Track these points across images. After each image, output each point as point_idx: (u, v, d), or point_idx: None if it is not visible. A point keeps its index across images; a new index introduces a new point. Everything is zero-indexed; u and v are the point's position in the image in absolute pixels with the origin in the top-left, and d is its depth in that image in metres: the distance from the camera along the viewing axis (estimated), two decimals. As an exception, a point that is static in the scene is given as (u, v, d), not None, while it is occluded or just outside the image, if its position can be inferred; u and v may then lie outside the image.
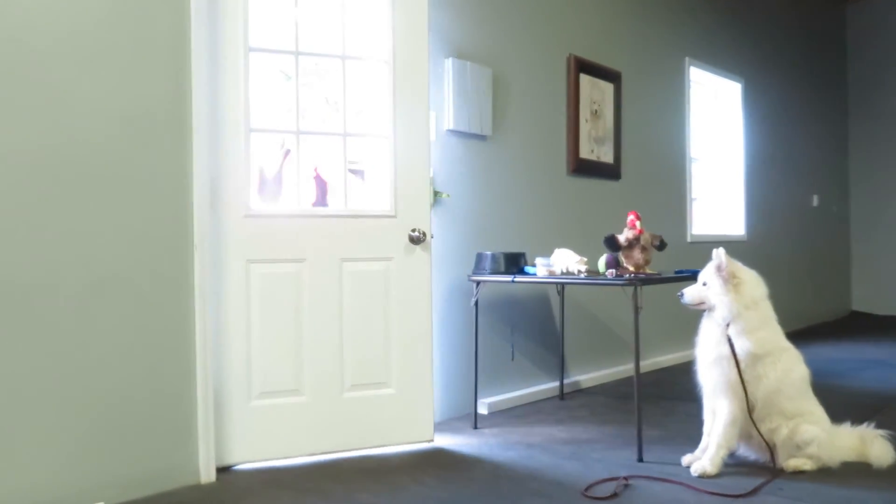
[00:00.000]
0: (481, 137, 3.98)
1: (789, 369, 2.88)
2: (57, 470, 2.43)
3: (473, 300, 3.56)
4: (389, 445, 3.23)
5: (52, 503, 2.41)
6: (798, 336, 6.18)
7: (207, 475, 2.80)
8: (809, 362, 2.99)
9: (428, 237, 3.27)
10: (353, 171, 3.69)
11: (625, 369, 4.90)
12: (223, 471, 2.91)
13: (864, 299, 8.50)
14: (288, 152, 3.58)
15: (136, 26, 2.63)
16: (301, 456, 3.08)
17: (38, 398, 2.39)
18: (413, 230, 3.25)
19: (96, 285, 2.53)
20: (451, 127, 3.77)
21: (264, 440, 3.02)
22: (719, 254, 2.86)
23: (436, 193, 3.68)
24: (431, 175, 3.66)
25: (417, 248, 3.28)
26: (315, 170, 3.44)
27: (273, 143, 3.32)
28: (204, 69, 2.81)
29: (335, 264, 3.14)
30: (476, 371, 3.65)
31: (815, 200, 7.82)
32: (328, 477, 2.86)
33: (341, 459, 3.09)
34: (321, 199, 3.38)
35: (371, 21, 3.28)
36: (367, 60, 3.27)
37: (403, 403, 3.26)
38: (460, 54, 3.84)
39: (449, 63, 3.76)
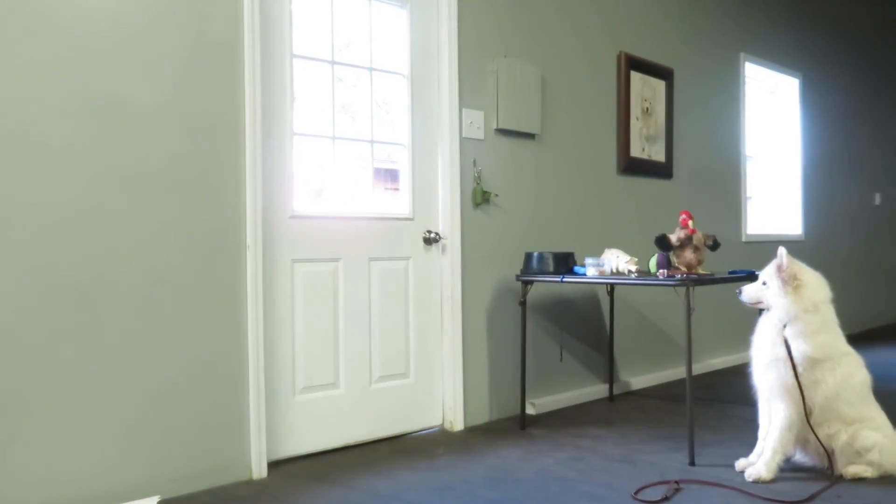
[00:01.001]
0: (530, 136, 3.96)
1: (849, 374, 2.79)
2: (113, 463, 2.51)
3: (520, 300, 3.55)
4: (407, 431, 3.47)
5: (107, 496, 2.49)
6: (859, 339, 5.97)
7: (259, 470, 2.86)
8: (871, 366, 2.89)
9: (442, 238, 3.52)
10: (389, 170, 3.77)
11: (676, 372, 4.82)
12: (273, 465, 2.97)
13: (930, 301, 8.17)
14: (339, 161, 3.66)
15: (193, 34, 2.70)
16: (338, 445, 3.22)
17: (95, 392, 2.47)
18: (427, 231, 3.51)
19: (155, 284, 2.60)
20: (500, 126, 3.76)
21: (308, 433, 3.12)
22: (781, 254, 2.78)
23: (484, 193, 3.68)
24: (477, 175, 3.66)
25: (432, 248, 3.55)
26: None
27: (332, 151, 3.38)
28: (254, 75, 2.87)
29: (364, 263, 3.32)
30: (524, 372, 3.63)
31: (878, 199, 7.55)
32: (370, 468, 2.89)
33: (375, 448, 3.15)
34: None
35: (392, 36, 3.50)
36: (390, 73, 3.48)
37: (420, 392, 3.51)
38: (508, 53, 3.83)
39: (498, 62, 3.75)
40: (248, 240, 2.85)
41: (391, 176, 3.73)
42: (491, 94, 3.75)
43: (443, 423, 3.60)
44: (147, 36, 2.59)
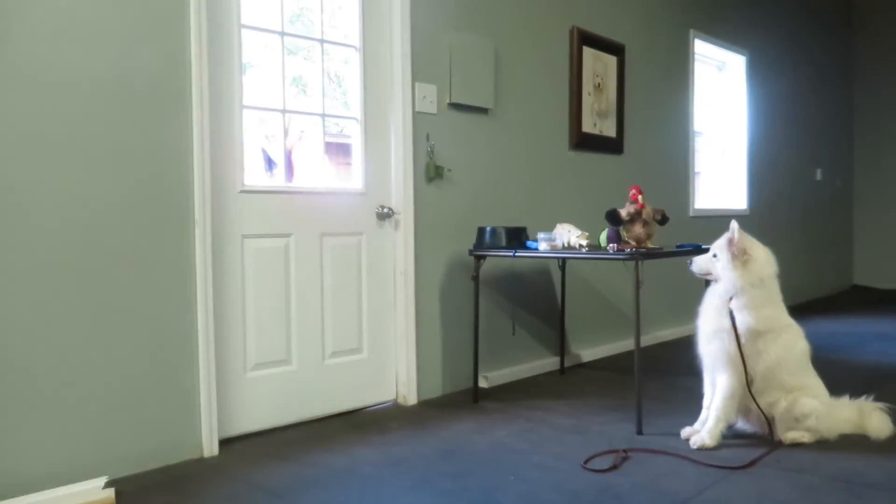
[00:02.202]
0: (483, 111, 3.96)
1: (790, 345, 2.89)
2: (61, 445, 2.45)
3: (473, 274, 3.57)
4: (360, 406, 3.48)
5: (51, 478, 2.44)
6: (800, 310, 6.19)
7: (210, 448, 2.83)
8: (810, 336, 2.99)
9: (395, 213, 3.50)
10: (342, 145, 3.75)
11: (626, 344, 4.92)
12: (225, 443, 2.94)
13: (866, 273, 8.50)
14: (300, 135, 3.61)
15: (137, 1, 2.61)
16: (292, 421, 3.22)
17: (37, 373, 2.41)
18: (380, 206, 3.49)
19: (99, 261, 2.53)
20: (453, 100, 3.74)
21: (260, 410, 3.11)
22: (733, 228, 2.83)
23: (437, 168, 3.67)
24: (431, 149, 3.65)
25: (385, 223, 3.53)
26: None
27: (282, 124, 3.32)
28: (201, 45, 2.78)
29: (316, 239, 3.29)
30: (476, 345, 3.66)
31: (819, 174, 7.78)
32: (326, 445, 2.89)
33: (329, 423, 3.16)
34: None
35: (344, 8, 3.43)
36: (341, 46, 3.42)
37: (374, 367, 3.52)
38: (461, 27, 3.81)
39: (450, 36, 3.72)
40: (197, 215, 2.79)
41: (343, 150, 3.69)
42: (444, 67, 3.73)
43: (396, 398, 3.62)
44: (88, 2, 2.50)
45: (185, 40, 2.75)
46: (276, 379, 3.16)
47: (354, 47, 3.44)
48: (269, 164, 3.83)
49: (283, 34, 3.21)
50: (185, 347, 2.78)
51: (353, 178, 3.50)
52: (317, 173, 3.44)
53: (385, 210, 3.50)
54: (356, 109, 3.45)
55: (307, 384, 3.27)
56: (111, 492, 2.43)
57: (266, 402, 3.13)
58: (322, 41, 3.35)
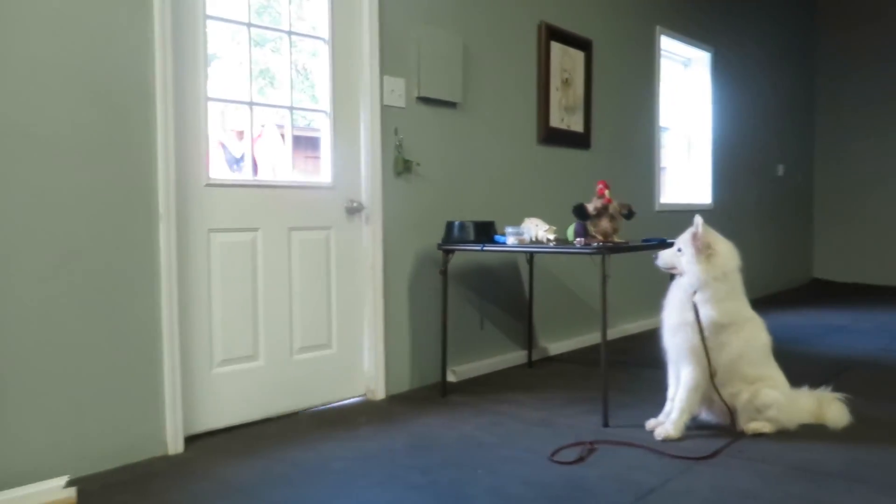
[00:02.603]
0: (451, 105, 3.96)
1: (752, 337, 2.94)
2: (21, 444, 2.40)
3: (441, 269, 3.57)
4: (329, 402, 3.46)
5: (11, 478, 2.39)
6: (761, 303, 6.31)
7: (175, 445, 2.80)
8: (771, 329, 3.05)
9: (365, 208, 3.47)
10: (310, 138, 3.74)
11: (593, 337, 4.97)
12: (191, 440, 2.91)
13: (826, 267, 8.70)
14: (262, 131, 3.57)
15: (94, -12, 2.55)
16: (259, 417, 3.19)
17: (0, 374, 2.35)
18: (350, 201, 3.45)
19: (62, 256, 2.48)
20: (421, 94, 3.74)
21: (226, 406, 3.07)
22: (697, 222, 2.87)
23: (406, 162, 3.66)
24: (399, 143, 3.64)
25: (354, 217, 3.50)
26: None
27: (249, 117, 3.28)
28: (165, 36, 2.73)
29: (284, 233, 3.26)
30: (444, 340, 3.67)
31: (781, 170, 7.93)
32: (295, 441, 2.87)
33: (297, 419, 3.15)
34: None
35: (313, 0, 3.40)
36: (310, 38, 3.39)
37: (343, 362, 3.50)
38: (430, 20, 3.80)
39: (419, 30, 3.71)
40: (161, 209, 2.75)
41: (311, 144, 3.67)
42: (412, 61, 3.72)
43: (365, 393, 3.61)
44: (46, -8, 2.44)
45: (149, 31, 2.70)
46: (244, 375, 3.13)
47: (323, 39, 3.41)
48: (231, 161, 3.80)
49: (249, 25, 3.17)
50: (149, 343, 2.74)
51: (321, 171, 3.47)
52: (284, 167, 3.41)
53: (354, 204, 3.47)
54: (325, 102, 3.42)
55: (275, 380, 3.24)
56: (72, 491, 2.39)
57: (233, 399, 3.10)
58: (290, 33, 3.32)
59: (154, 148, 2.73)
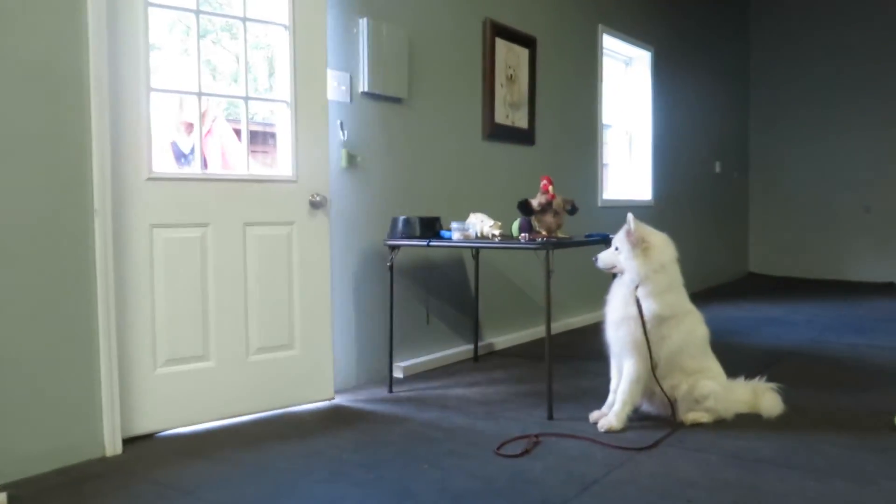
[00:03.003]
0: (397, 100, 3.94)
1: (692, 330, 3.02)
2: (-53, 446, 2.30)
3: (388, 264, 3.56)
4: (294, 405, 3.30)
5: (-56, 481, 2.29)
6: (700, 297, 6.48)
7: (113, 447, 2.71)
8: (709, 321, 3.14)
9: (328, 202, 3.31)
10: (260, 133, 3.64)
11: (537, 331, 5.02)
12: (132, 442, 2.83)
13: (761, 261, 8.99)
14: (210, 126, 3.49)
15: (23, -27, 2.45)
16: (211, 421, 3.07)
17: (-77, 372, 2.25)
18: (314, 195, 3.29)
19: (-14, 252, 2.38)
20: (366, 89, 3.71)
21: (172, 408, 2.97)
22: (629, 219, 2.94)
23: (350, 157, 3.63)
24: (345, 138, 3.61)
25: (318, 212, 3.33)
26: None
27: (191, 112, 3.20)
28: (100, 22, 2.64)
29: (238, 228, 3.13)
30: (391, 335, 3.66)
31: (718, 167, 8.15)
32: (240, 441, 2.83)
33: (252, 422, 3.09)
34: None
35: None
36: (268, 24, 3.26)
37: (306, 364, 3.33)
38: (375, 15, 3.77)
39: (363, 23, 3.68)
40: (96, 204, 2.66)
41: (261, 139, 3.60)
42: (357, 56, 3.68)
43: (333, 397, 3.45)
44: (-29, -24, 2.33)
45: (82, 17, 2.60)
46: (192, 376, 3.02)
47: (283, 25, 3.23)
48: (180, 157, 3.70)
49: (198, 12, 3.04)
50: (85, 342, 2.65)
51: (280, 164, 3.32)
52: (239, 160, 3.28)
53: (317, 198, 3.29)
54: (285, 92, 3.24)
55: (228, 382, 3.11)
56: (3, 496, 2.30)
57: (181, 400, 2.98)
58: (245, 19, 3.16)
59: (88, 140, 2.64)
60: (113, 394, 2.72)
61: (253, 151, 3.93)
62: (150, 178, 2.88)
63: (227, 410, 3.12)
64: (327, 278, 3.39)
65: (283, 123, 3.31)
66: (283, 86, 3.27)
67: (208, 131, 3.93)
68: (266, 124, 3.49)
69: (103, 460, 2.67)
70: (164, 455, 2.72)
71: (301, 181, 3.29)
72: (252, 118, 3.54)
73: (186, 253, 3.00)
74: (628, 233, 2.94)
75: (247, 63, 3.21)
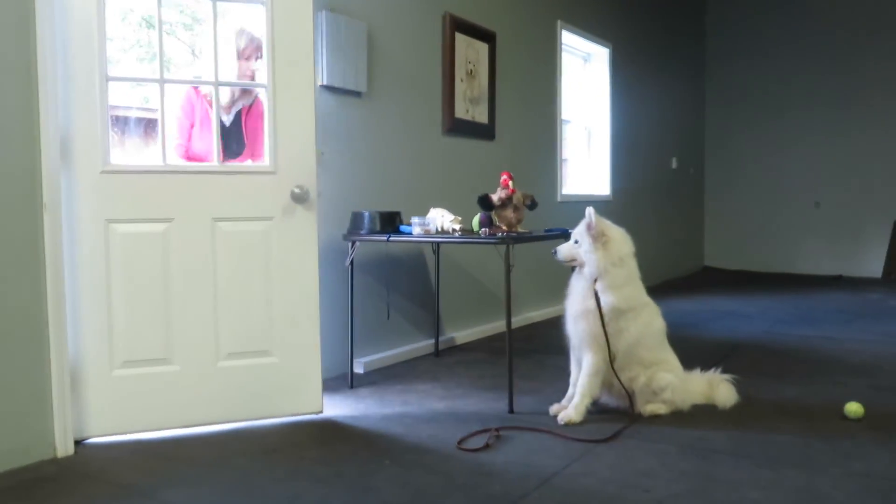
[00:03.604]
0: (356, 94, 3.91)
1: (649, 322, 3.07)
2: None
3: (349, 260, 3.53)
4: (274, 417, 3.04)
5: None
6: (656, 290, 6.58)
7: (65, 448, 2.64)
8: (666, 314, 3.19)
9: (313, 195, 3.03)
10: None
11: (498, 325, 5.05)
12: (86, 444, 2.76)
13: (716, 255, 9.17)
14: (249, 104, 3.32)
15: (-34, -41, 2.36)
16: (175, 428, 2.91)
17: None
18: (296, 187, 2.99)
19: (-71, 247, 2.30)
20: (325, 82, 3.67)
21: (131, 411, 2.85)
22: (589, 213, 2.97)
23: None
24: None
25: (301, 207, 3.03)
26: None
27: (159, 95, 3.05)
28: (51, 12, 2.56)
29: (207, 224, 2.92)
30: (351, 331, 3.64)
31: (674, 162, 8.28)
32: (200, 444, 2.78)
33: (220, 432, 2.95)
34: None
35: None
36: (243, 4, 3.08)
37: (288, 373, 3.05)
38: (334, 7, 3.73)
39: (322, 16, 3.64)
40: (45, 198, 2.58)
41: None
42: (316, 49, 3.63)
43: (320, 410, 3.15)
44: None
45: (29, 4, 2.51)
46: (153, 379, 2.86)
47: (261, 2, 2.98)
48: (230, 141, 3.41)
49: None
50: (34, 341, 2.57)
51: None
52: (207, 149, 3.10)
53: (300, 191, 2.99)
54: (262, 75, 3.01)
55: (195, 388, 2.92)
56: (-50, 500, 2.22)
57: (141, 404, 2.85)
58: None
59: (37, 132, 2.56)
60: (64, 394, 2.65)
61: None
62: (105, 171, 2.77)
63: (194, 418, 2.93)
64: (314, 280, 3.08)
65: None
66: (264, 68, 3.01)
67: (248, 109, 3.72)
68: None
69: (55, 462, 2.60)
70: (120, 457, 2.66)
71: (281, 172, 2.99)
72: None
73: (147, 249, 2.84)
74: (589, 226, 2.97)
75: (216, 46, 2.96)
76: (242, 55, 3.22)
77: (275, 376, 3.04)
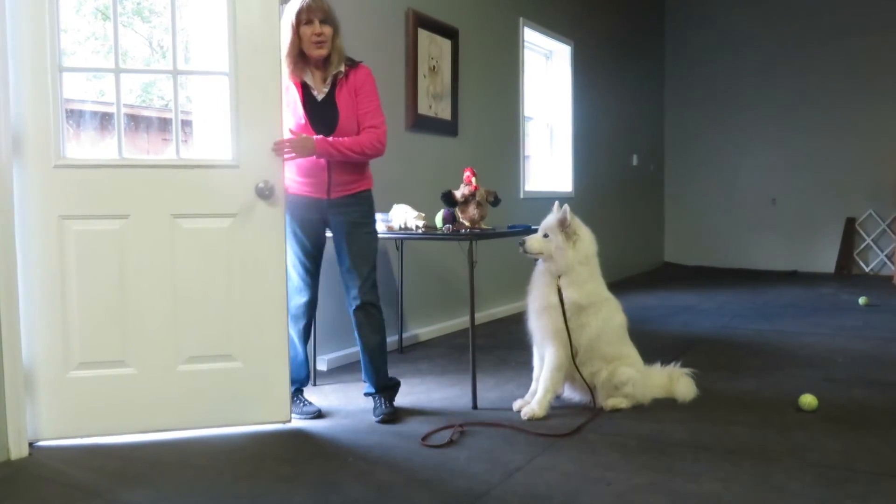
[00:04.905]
0: (318, 89, 3.86)
1: (610, 317, 3.11)
2: None
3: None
4: (238, 425, 2.90)
5: None
6: (617, 286, 6.66)
7: (19, 450, 2.57)
8: (627, 310, 3.23)
9: (279, 191, 2.88)
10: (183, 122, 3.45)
11: (461, 321, 5.06)
12: (41, 447, 2.69)
13: (675, 251, 9.32)
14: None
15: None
16: (133, 433, 2.81)
17: None
18: (261, 182, 2.83)
19: None
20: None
21: (88, 414, 2.76)
22: (566, 210, 2.99)
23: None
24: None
25: (265, 203, 2.86)
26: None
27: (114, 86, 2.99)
28: (2, 1, 2.48)
29: (165, 221, 2.79)
30: (315, 327, 3.60)
31: (635, 160, 8.39)
32: (160, 446, 2.73)
33: (180, 438, 2.85)
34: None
35: None
36: None
37: (251, 379, 2.89)
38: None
39: (283, 10, 3.59)
40: (-4, 193, 2.50)
41: (167, 126, 3.44)
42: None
43: (287, 419, 2.98)
44: None
45: (-21, -3, 2.44)
46: (109, 382, 2.76)
47: None
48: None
49: None
50: (-15, 340, 2.50)
51: (204, 151, 3.04)
52: (164, 143, 3.04)
53: (265, 186, 2.84)
54: (222, 62, 2.85)
55: (152, 392, 2.80)
56: None
57: (97, 407, 2.75)
58: None
59: (-13, 126, 2.48)
60: (18, 395, 2.58)
61: (164, 140, 3.75)
62: (58, 165, 2.68)
63: (153, 423, 2.81)
64: (281, 279, 2.91)
65: (208, 105, 3.02)
66: (223, 54, 2.85)
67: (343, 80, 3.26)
68: (181, 112, 3.31)
69: (8, 463, 2.53)
70: (76, 459, 2.60)
71: (244, 167, 2.84)
72: (167, 105, 3.39)
73: (102, 247, 2.74)
74: (563, 223, 2.99)
75: (174, 32, 2.80)
76: (300, 20, 2.91)
77: (237, 382, 2.88)
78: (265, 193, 2.84)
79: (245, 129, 2.85)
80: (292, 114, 2.94)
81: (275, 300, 2.91)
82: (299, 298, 3.08)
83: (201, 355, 2.85)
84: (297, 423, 2.97)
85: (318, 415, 3.05)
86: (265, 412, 2.92)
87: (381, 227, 3.37)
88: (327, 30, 2.87)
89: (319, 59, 2.91)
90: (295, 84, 2.93)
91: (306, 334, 3.14)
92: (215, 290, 2.85)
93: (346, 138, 2.90)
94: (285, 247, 2.94)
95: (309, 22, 2.86)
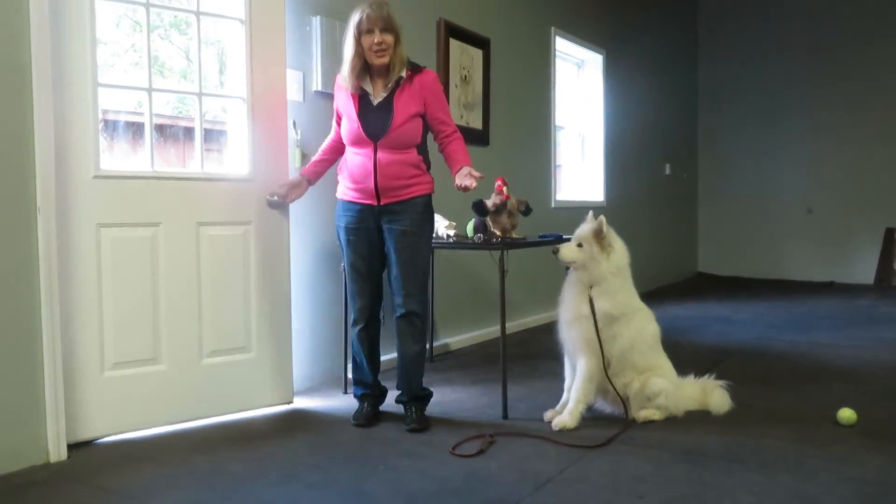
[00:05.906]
0: (351, 99, 3.91)
1: (642, 328, 3.08)
2: None
3: (343, 265, 3.52)
4: (251, 409, 3.21)
5: None
6: (650, 296, 6.60)
7: (58, 453, 2.63)
8: (659, 320, 3.20)
9: (286, 202, 3.23)
10: (218, 131, 3.53)
11: (492, 331, 5.05)
12: (78, 447, 2.75)
13: (709, 261, 9.20)
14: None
15: (-39, -37, 2.36)
16: (161, 426, 2.98)
17: None
18: (271, 195, 3.19)
19: (-79, 252, 2.29)
20: (320, 88, 3.67)
21: (121, 412, 2.89)
22: (602, 221, 2.99)
23: (304, 156, 3.59)
24: (298, 137, 3.56)
25: (276, 212, 3.26)
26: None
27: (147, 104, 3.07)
28: (42, 14, 2.56)
29: (192, 228, 3.05)
30: (346, 336, 3.63)
31: (668, 168, 8.31)
32: (191, 445, 2.77)
33: (204, 427, 3.02)
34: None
35: None
36: (222, 18, 3.19)
37: (264, 367, 3.26)
38: (328, 13, 3.74)
39: (317, 21, 3.65)
40: (39, 202, 2.57)
41: (217, 135, 3.49)
42: (310, 54, 3.65)
43: (292, 400, 3.40)
44: None
45: (24, 9, 2.52)
46: (142, 379, 2.93)
47: (239, 20, 3.18)
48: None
49: (148, 5, 2.95)
50: (27, 344, 2.56)
51: (237, 163, 3.23)
52: (193, 158, 3.18)
53: (275, 198, 3.20)
54: (240, 88, 3.18)
55: (181, 385, 3.02)
56: (-60, 506, 2.21)
57: (130, 404, 2.89)
58: (198, 13, 3.09)
59: (31, 136, 2.55)
60: (57, 398, 2.64)
61: (210, 150, 3.83)
62: (97, 176, 2.81)
63: (180, 415, 3.03)
64: (286, 280, 3.32)
65: (237, 121, 3.24)
66: (239, 82, 3.20)
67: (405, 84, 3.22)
68: (216, 122, 3.40)
69: (47, 466, 2.58)
70: (112, 460, 2.65)
71: (258, 180, 3.21)
72: (204, 116, 3.47)
73: (136, 253, 2.91)
74: (599, 234, 2.98)
75: (199, 58, 3.11)
76: (361, 30, 2.90)
77: (252, 371, 3.22)
78: (275, 204, 3.22)
79: (259, 147, 3.21)
80: (347, 120, 3.00)
81: (282, 296, 3.31)
82: (354, 304, 3.16)
83: (221, 349, 3.14)
84: (328, 431, 2.99)
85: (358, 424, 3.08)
86: (273, 396, 3.29)
87: (412, 236, 3.38)
88: (388, 38, 2.90)
89: (382, 68, 2.95)
90: (352, 97, 2.98)
91: (365, 339, 3.18)
92: (233, 290, 3.16)
93: (462, 152, 3.17)
94: (289, 251, 3.30)
95: (369, 31, 2.89)
